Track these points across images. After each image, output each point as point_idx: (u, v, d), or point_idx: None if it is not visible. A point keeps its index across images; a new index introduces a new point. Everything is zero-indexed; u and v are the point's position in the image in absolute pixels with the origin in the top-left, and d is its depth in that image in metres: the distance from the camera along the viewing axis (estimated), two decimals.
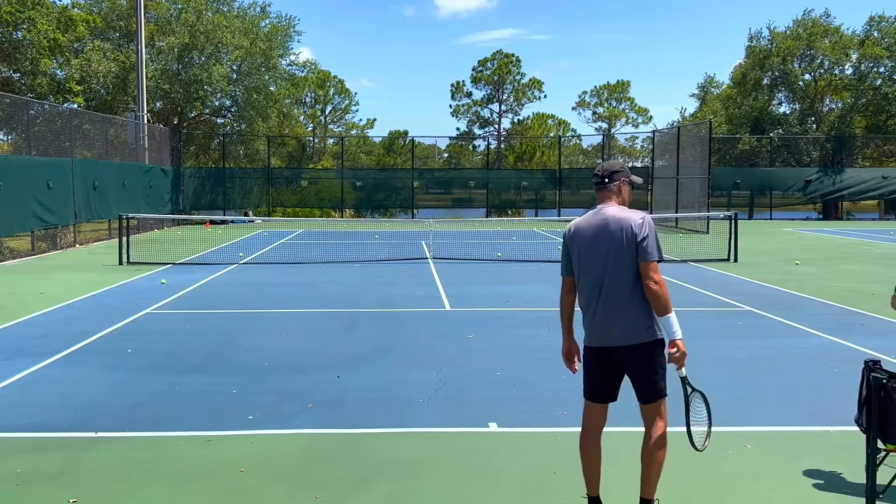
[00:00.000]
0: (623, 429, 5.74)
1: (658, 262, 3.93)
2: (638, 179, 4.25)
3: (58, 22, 26.58)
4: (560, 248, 4.24)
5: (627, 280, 3.93)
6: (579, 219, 4.17)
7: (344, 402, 6.38)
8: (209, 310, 10.79)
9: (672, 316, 3.86)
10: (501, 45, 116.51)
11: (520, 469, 4.91)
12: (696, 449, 4.03)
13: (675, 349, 3.89)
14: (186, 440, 5.44)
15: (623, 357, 3.98)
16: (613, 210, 4.05)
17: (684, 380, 4.03)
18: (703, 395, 4.04)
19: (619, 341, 3.95)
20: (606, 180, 4.11)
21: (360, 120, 61.67)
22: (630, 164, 59.04)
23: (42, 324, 9.69)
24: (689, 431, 4.03)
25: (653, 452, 4.00)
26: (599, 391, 4.11)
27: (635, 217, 3.98)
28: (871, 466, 3.78)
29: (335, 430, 5.66)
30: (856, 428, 4.12)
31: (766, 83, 41.84)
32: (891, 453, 3.78)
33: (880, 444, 3.76)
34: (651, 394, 3.98)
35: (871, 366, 3.87)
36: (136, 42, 27.40)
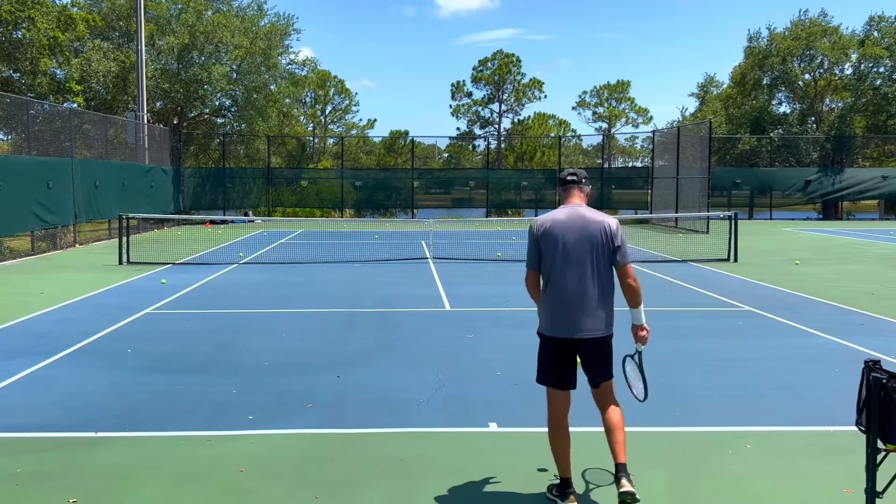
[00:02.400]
0: None
1: (630, 262, 4.43)
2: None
3: (58, 21, 26.58)
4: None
5: (604, 279, 4.34)
6: (551, 216, 4.45)
7: (344, 402, 6.38)
8: (209, 310, 10.79)
9: (643, 306, 4.46)
10: (501, 45, 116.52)
11: (520, 469, 4.91)
12: (639, 400, 4.69)
13: (645, 332, 4.52)
14: (186, 440, 5.44)
15: (590, 347, 4.36)
16: (589, 211, 4.41)
17: (640, 353, 4.70)
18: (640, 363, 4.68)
19: (592, 333, 4.32)
20: (583, 181, 4.53)
21: (361, 120, 61.67)
22: (630, 164, 59.17)
23: (42, 324, 9.69)
24: (631, 385, 4.73)
25: (619, 422, 4.40)
26: (566, 379, 4.42)
27: (611, 222, 4.37)
28: (871, 466, 3.77)
29: (335, 430, 5.66)
30: (856, 428, 4.12)
31: (766, 83, 41.83)
32: (891, 453, 3.78)
33: (880, 444, 3.76)
34: (608, 375, 4.48)
35: (871, 366, 3.87)
36: (136, 42, 27.40)
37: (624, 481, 4.12)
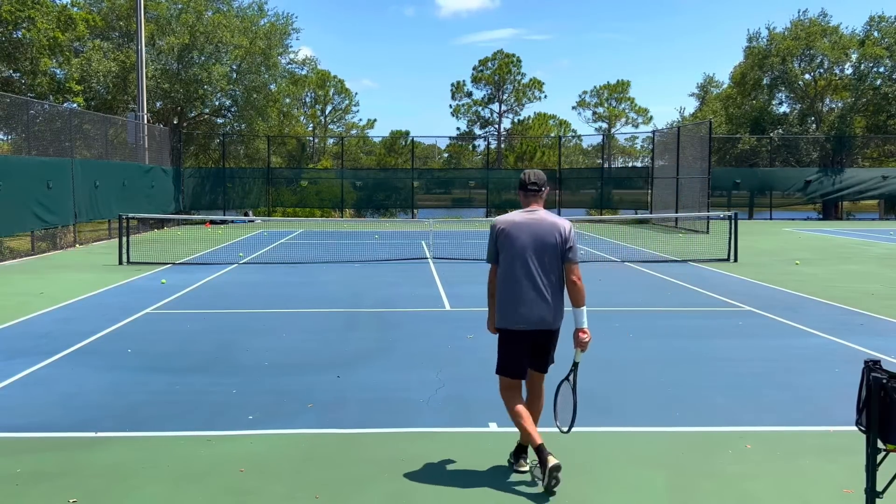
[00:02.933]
0: (617, 429, 5.76)
1: (579, 263, 4.75)
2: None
3: (57, 21, 26.58)
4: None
5: (555, 276, 4.70)
6: (510, 216, 4.82)
7: (344, 402, 6.38)
8: (209, 310, 10.79)
9: (585, 307, 4.69)
10: (502, 44, 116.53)
11: None
12: (563, 431, 4.80)
13: (585, 335, 4.66)
14: (186, 440, 5.44)
15: (542, 338, 4.74)
16: (545, 214, 4.78)
17: (577, 365, 4.77)
18: (573, 386, 4.81)
19: (545, 326, 4.70)
20: (543, 189, 4.85)
21: (361, 120, 61.66)
22: (630, 164, 59.17)
23: (42, 324, 9.69)
24: (560, 412, 4.84)
25: (540, 409, 4.92)
26: (522, 369, 4.82)
27: (565, 224, 4.72)
28: (871, 466, 3.77)
29: (335, 430, 5.66)
30: (856, 428, 4.11)
31: (766, 83, 41.83)
32: (891, 453, 3.77)
33: (880, 444, 3.76)
34: (545, 367, 4.85)
35: (871, 366, 3.86)
36: (136, 42, 27.39)
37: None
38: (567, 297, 4.76)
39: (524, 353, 4.78)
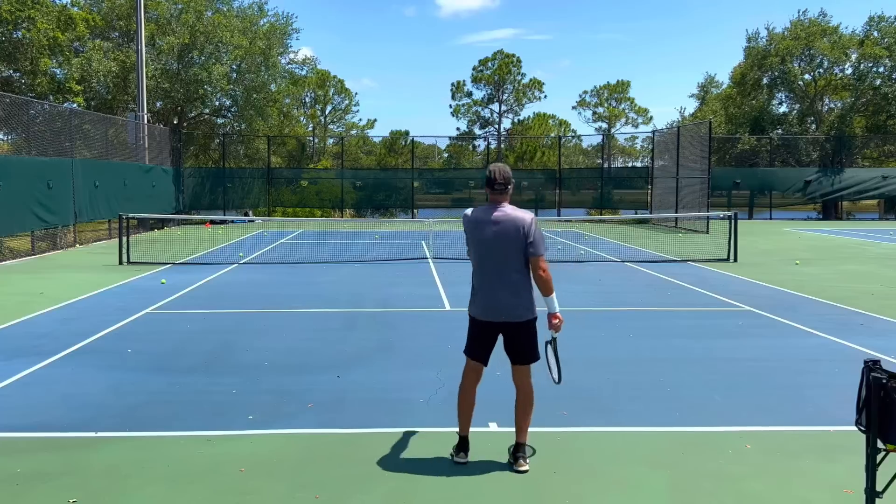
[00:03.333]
0: (617, 429, 5.76)
1: (543, 255, 4.87)
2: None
3: (57, 21, 26.57)
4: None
5: (521, 269, 4.88)
6: (478, 211, 5.03)
7: (344, 402, 6.38)
8: (209, 310, 10.79)
9: (554, 295, 4.89)
10: (502, 45, 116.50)
11: None
12: (555, 382, 5.11)
13: (557, 320, 4.91)
14: (186, 440, 5.44)
15: (511, 330, 4.93)
16: (510, 209, 4.93)
17: (555, 340, 5.06)
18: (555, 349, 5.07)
19: (511, 318, 4.89)
20: (508, 186, 5.00)
21: (361, 120, 61.66)
22: (630, 164, 59.18)
23: (42, 324, 9.69)
24: (551, 368, 5.11)
25: (527, 406, 5.00)
26: (485, 355, 5.05)
27: (527, 217, 4.89)
28: (871, 466, 3.77)
29: (335, 430, 5.66)
30: (855, 428, 4.12)
31: (766, 83, 41.82)
32: (891, 453, 3.78)
33: (880, 444, 3.76)
34: (528, 357, 4.98)
35: (871, 366, 3.87)
36: (136, 42, 27.39)
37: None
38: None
39: (490, 342, 5.02)
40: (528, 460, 4.93)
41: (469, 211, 5.09)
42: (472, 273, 5.08)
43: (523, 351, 4.97)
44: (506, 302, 4.87)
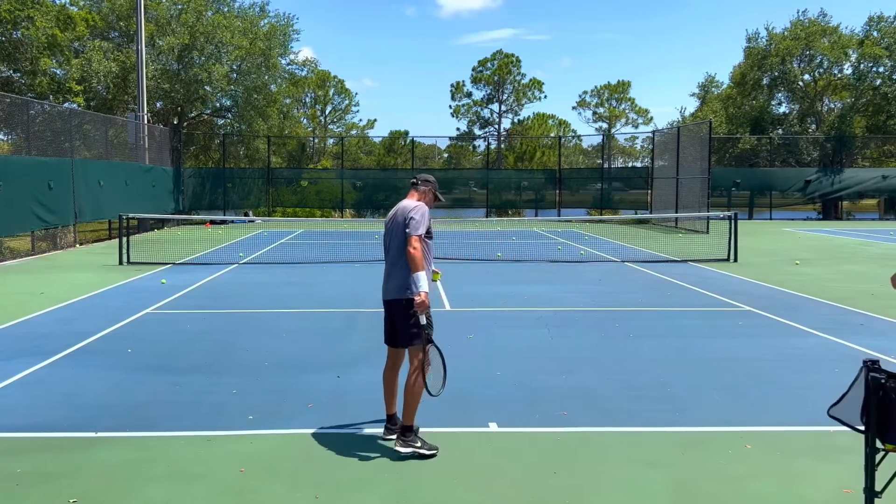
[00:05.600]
0: (617, 429, 5.76)
1: (419, 236, 5.13)
2: (442, 199, 5.70)
3: (57, 20, 26.57)
4: None
5: (401, 251, 5.23)
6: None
7: (344, 402, 6.39)
8: (209, 310, 10.79)
9: (421, 274, 5.10)
10: (501, 44, 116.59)
11: (520, 469, 4.91)
12: (431, 394, 5.12)
13: (418, 297, 5.10)
14: (186, 440, 5.44)
15: (389, 308, 5.36)
16: (406, 201, 5.40)
17: (423, 327, 5.12)
18: (437, 348, 5.15)
19: (388, 296, 5.35)
20: (419, 183, 5.49)
21: (361, 120, 61.68)
22: (630, 164, 59.18)
23: (42, 324, 9.69)
24: (427, 368, 5.15)
25: (412, 387, 5.17)
26: (389, 336, 5.44)
27: (412, 205, 5.30)
28: (871, 466, 3.78)
29: (335, 430, 5.67)
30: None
31: (766, 83, 41.82)
32: (890, 453, 3.78)
33: (879, 444, 3.76)
34: (406, 340, 5.25)
35: (870, 366, 3.87)
36: (136, 42, 27.39)
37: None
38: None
39: (390, 323, 5.46)
40: (407, 443, 5.10)
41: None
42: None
43: (401, 332, 5.27)
44: (389, 283, 5.36)
